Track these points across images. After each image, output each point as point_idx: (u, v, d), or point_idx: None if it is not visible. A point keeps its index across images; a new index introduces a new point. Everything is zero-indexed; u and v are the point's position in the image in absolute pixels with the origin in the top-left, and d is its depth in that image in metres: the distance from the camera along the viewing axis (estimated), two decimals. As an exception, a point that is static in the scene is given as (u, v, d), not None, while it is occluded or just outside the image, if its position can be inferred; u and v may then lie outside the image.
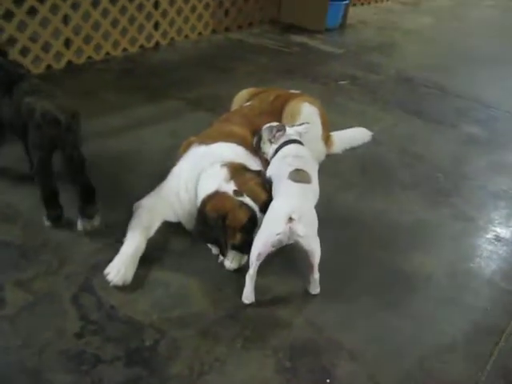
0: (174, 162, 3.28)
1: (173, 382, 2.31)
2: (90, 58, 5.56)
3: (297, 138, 3.29)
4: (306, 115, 3.79)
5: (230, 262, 2.92)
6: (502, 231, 3.59)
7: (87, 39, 5.48)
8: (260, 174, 3.06)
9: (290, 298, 2.81)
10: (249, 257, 2.73)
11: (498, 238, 3.51)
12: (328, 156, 4.06)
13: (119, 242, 2.90)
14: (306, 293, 2.83)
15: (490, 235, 3.54)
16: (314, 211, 2.78)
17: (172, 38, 6.42)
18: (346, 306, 2.82)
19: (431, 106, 5.50)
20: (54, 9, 5.11)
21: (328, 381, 2.40)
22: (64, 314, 2.55)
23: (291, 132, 3.30)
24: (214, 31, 6.94)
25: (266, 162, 3.32)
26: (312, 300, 2.81)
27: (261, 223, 2.79)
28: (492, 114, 5.47)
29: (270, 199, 2.89)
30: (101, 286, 2.72)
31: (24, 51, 4.98)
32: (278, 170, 3.05)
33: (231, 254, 2.93)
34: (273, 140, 3.26)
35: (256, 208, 2.86)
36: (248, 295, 2.70)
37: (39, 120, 2.79)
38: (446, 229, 3.56)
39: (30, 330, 2.45)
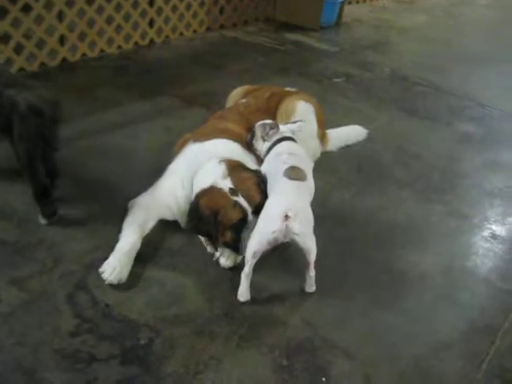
0: (170, 159, 3.27)
1: (168, 380, 2.30)
2: (84, 55, 5.53)
3: (290, 135, 3.28)
4: (302, 113, 3.79)
5: (226, 260, 2.91)
6: (498, 229, 3.59)
7: (82, 36, 5.45)
8: (257, 174, 3.06)
9: (285, 296, 2.81)
10: (244, 255, 2.72)
11: (493, 236, 3.51)
12: (323, 154, 4.06)
13: (114, 239, 2.89)
14: (302, 291, 2.83)
15: (485, 233, 3.54)
16: (309, 209, 2.78)
17: (167, 36, 6.40)
18: (342, 304, 2.82)
19: (426, 104, 5.50)
20: (49, 6, 5.09)
21: (324, 379, 2.40)
22: (59, 313, 2.54)
23: (284, 129, 3.30)
24: (208, 29, 6.93)
25: (259, 159, 3.32)
26: (308, 298, 2.81)
27: (252, 225, 2.80)
28: (486, 112, 5.48)
29: (264, 202, 2.88)
30: (96, 284, 2.71)
31: (18, 48, 4.95)
32: (272, 168, 3.05)
33: (226, 251, 2.93)
34: (266, 137, 3.26)
35: (249, 209, 2.87)
36: (243, 293, 2.70)
37: (24, 112, 2.78)
38: (441, 227, 3.57)
39: (24, 328, 2.44)
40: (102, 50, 5.70)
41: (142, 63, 5.66)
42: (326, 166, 3.98)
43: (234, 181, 2.91)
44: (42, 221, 3.06)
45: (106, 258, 2.77)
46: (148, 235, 3.01)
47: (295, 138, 3.31)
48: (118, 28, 5.81)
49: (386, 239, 3.36)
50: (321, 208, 3.13)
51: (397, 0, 10.17)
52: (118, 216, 3.07)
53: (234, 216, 2.84)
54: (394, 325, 2.73)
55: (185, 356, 2.41)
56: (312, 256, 2.70)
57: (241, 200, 2.86)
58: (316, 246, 2.71)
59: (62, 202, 3.12)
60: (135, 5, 5.90)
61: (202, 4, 6.70)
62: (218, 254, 2.95)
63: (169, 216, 3.15)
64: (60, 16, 5.22)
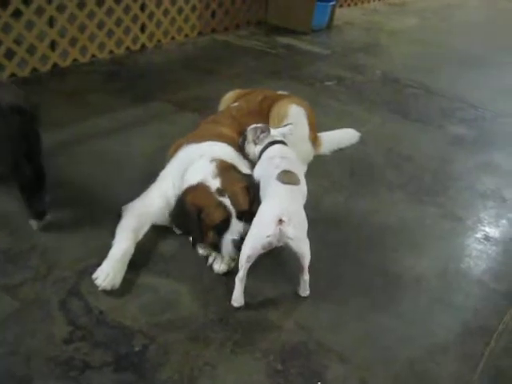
0: (163, 165, 3.27)
1: (163, 387, 2.29)
2: (75, 60, 5.52)
3: (281, 138, 3.29)
4: (294, 116, 3.78)
5: (219, 265, 2.91)
6: (491, 231, 3.60)
7: (73, 41, 5.44)
8: (248, 179, 3.06)
9: (279, 301, 2.80)
10: (238, 260, 2.71)
11: (487, 238, 3.52)
12: (316, 157, 4.06)
13: (107, 245, 2.87)
14: (296, 295, 2.82)
15: (478, 235, 3.55)
16: (303, 213, 2.78)
17: (158, 40, 6.39)
18: (336, 308, 2.81)
19: (417, 107, 5.51)
20: (40, 11, 5.07)
21: (319, 383, 2.39)
22: (52, 320, 2.52)
23: (275, 133, 3.30)
24: (200, 33, 6.92)
25: (250, 164, 3.33)
26: (302, 302, 2.80)
27: (235, 228, 2.82)
28: (478, 114, 5.49)
29: (250, 208, 2.90)
30: (89, 290, 2.69)
31: (9, 54, 4.93)
32: (265, 171, 3.05)
33: (219, 257, 2.92)
34: (257, 141, 3.26)
35: (233, 212, 2.86)
36: (237, 298, 2.69)
37: (6, 110, 2.78)
38: (434, 229, 3.57)
39: (17, 336, 2.42)
40: (93, 55, 5.69)
41: (133, 68, 5.65)
42: (319, 169, 3.98)
43: (222, 181, 2.92)
44: (33, 224, 3.04)
45: (99, 264, 2.76)
46: (141, 241, 3.00)
47: (287, 141, 3.32)
48: (110, 33, 5.79)
49: (380, 242, 3.36)
50: (314, 211, 3.12)
51: (388, 3, 10.20)
52: (110, 222, 3.06)
53: (217, 216, 2.84)
54: (388, 328, 2.73)
55: (179, 362, 2.40)
56: (306, 260, 2.69)
57: (226, 202, 2.86)
58: (310, 249, 2.71)
59: (53, 208, 3.10)
60: (127, 9, 5.89)
61: (193, 8, 6.70)
62: (211, 259, 2.94)
63: (162, 221, 3.13)
64: (51, 21, 5.21)
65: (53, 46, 5.29)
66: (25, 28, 4.99)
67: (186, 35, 6.75)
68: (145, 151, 3.95)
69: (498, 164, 4.51)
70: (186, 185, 2.97)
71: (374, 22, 8.71)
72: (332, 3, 7.74)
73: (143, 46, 6.22)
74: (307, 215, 2.79)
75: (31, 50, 5.09)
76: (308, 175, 3.52)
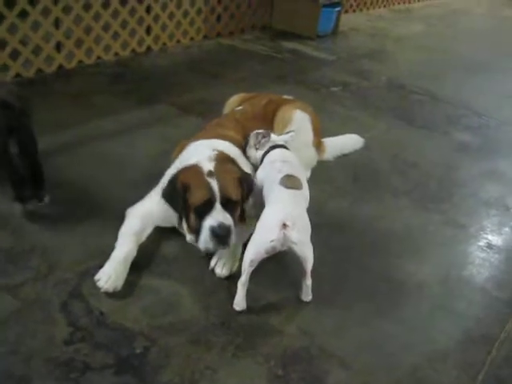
0: (166, 167, 3.26)
1: (163, 390, 2.28)
2: (80, 62, 5.53)
3: (282, 143, 3.29)
4: (298, 122, 3.78)
5: (221, 269, 2.90)
6: (494, 238, 3.58)
7: (78, 43, 5.45)
8: (245, 175, 3.05)
9: (281, 306, 2.79)
10: (240, 264, 2.71)
11: (489, 246, 3.50)
12: (320, 162, 4.05)
13: (109, 247, 2.87)
14: (298, 300, 2.81)
15: (481, 243, 3.53)
16: (306, 217, 2.77)
17: (164, 43, 6.41)
18: (338, 313, 2.80)
19: (423, 113, 5.51)
20: (46, 12, 5.08)
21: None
22: (53, 321, 2.51)
23: (276, 138, 3.30)
24: (205, 37, 6.93)
25: (253, 167, 3.34)
26: (304, 307, 2.79)
27: (215, 215, 2.80)
28: (483, 121, 5.48)
29: (240, 201, 2.92)
30: (90, 292, 2.69)
31: (14, 54, 4.94)
32: (267, 175, 3.05)
33: (221, 261, 2.92)
34: (258, 146, 3.27)
35: (218, 197, 2.84)
36: (239, 302, 2.68)
37: None
38: (437, 236, 3.56)
39: (18, 336, 2.41)
40: (98, 57, 5.70)
41: (138, 70, 5.66)
42: (323, 174, 3.98)
43: (216, 166, 2.93)
44: (16, 206, 3.10)
45: (101, 265, 2.75)
46: (144, 243, 3.00)
47: (289, 146, 3.32)
48: (115, 35, 5.81)
49: (383, 248, 3.35)
50: (317, 216, 3.12)
51: (393, 9, 10.21)
52: (112, 223, 3.05)
53: (199, 196, 2.84)
54: (391, 334, 2.71)
55: (180, 365, 2.39)
56: (309, 264, 2.69)
57: (213, 184, 2.85)
58: (313, 254, 2.70)
59: (55, 208, 3.10)
60: (132, 12, 5.91)
61: (199, 12, 6.71)
62: (213, 263, 2.93)
63: (165, 223, 3.13)
64: (57, 23, 5.22)
65: (58, 47, 5.30)
66: (31, 29, 5.00)
67: (192, 38, 6.76)
68: (148, 153, 3.95)
69: (502, 172, 4.50)
70: (182, 166, 3.01)
71: (380, 28, 8.71)
72: (337, 9, 7.75)
73: (148, 49, 6.23)
74: (311, 220, 2.78)
75: (37, 50, 5.10)
76: (312, 180, 3.52)
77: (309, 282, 2.75)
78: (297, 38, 7.45)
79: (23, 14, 4.92)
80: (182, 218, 2.94)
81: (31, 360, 2.31)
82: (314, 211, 3.00)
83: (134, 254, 2.87)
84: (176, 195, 2.88)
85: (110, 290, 2.67)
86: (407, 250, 3.37)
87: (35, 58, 5.10)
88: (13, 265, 2.80)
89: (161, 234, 3.13)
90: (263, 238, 2.62)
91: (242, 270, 2.65)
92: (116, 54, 5.87)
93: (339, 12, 7.85)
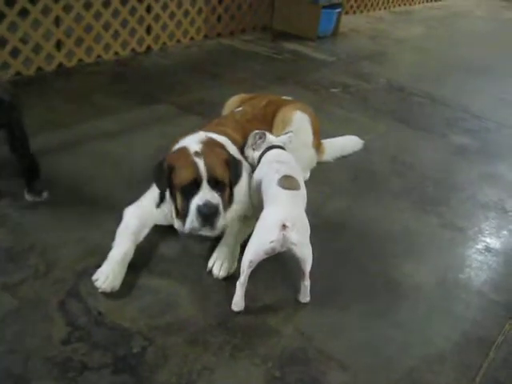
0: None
1: (160, 390, 2.28)
2: (81, 60, 5.53)
3: (279, 143, 3.29)
4: (298, 122, 3.78)
5: (219, 270, 2.89)
6: (492, 241, 3.59)
7: (78, 42, 5.45)
8: (234, 160, 3.07)
9: (279, 306, 2.79)
10: (238, 265, 2.71)
11: (487, 249, 3.51)
12: (319, 164, 4.05)
13: (107, 246, 2.87)
14: (296, 301, 2.81)
15: (479, 245, 3.53)
16: (305, 218, 2.76)
17: (164, 43, 6.41)
18: (336, 314, 2.80)
19: (422, 116, 5.52)
20: (46, 10, 5.08)
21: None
22: (50, 320, 2.51)
23: (273, 139, 3.30)
24: (206, 36, 6.94)
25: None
26: (302, 308, 2.79)
27: (202, 195, 2.81)
28: (482, 124, 5.49)
29: (225, 182, 2.94)
30: (88, 291, 2.69)
31: (14, 52, 4.94)
32: (265, 175, 3.05)
33: (218, 261, 2.92)
34: (254, 146, 3.28)
35: (205, 177, 2.85)
36: (238, 303, 2.68)
37: None
38: (435, 238, 3.56)
39: (15, 335, 2.41)
40: (98, 56, 5.71)
41: (138, 70, 5.66)
42: (322, 176, 3.98)
43: (203, 147, 2.96)
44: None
45: (99, 265, 2.75)
46: (142, 243, 3.00)
47: (290, 147, 3.33)
48: (115, 34, 5.81)
49: (381, 249, 3.35)
50: (316, 217, 3.12)
51: (394, 11, 10.23)
52: (111, 222, 3.05)
53: (185, 176, 2.85)
54: (388, 336, 2.71)
55: (177, 365, 2.39)
56: (308, 265, 2.69)
57: (200, 164, 2.86)
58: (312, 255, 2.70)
59: (55, 207, 3.11)
60: (132, 11, 5.91)
61: (199, 12, 6.71)
62: (211, 263, 2.93)
63: (162, 221, 3.14)
64: (57, 21, 5.22)
65: (58, 45, 5.30)
66: (31, 27, 5.00)
67: (192, 38, 6.76)
68: (148, 153, 3.95)
69: (500, 175, 4.50)
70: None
71: (380, 30, 8.72)
72: (338, 10, 7.76)
73: (148, 48, 6.23)
74: (309, 221, 2.78)
75: (37, 49, 5.10)
76: (311, 181, 3.53)
77: (307, 282, 2.75)
78: (297, 39, 7.47)
79: (24, 13, 4.92)
80: (162, 198, 2.96)
81: (29, 359, 2.31)
82: (312, 212, 3.00)
83: (132, 253, 2.87)
84: (163, 176, 2.91)
85: (108, 290, 2.67)
86: (405, 251, 3.37)
87: (35, 57, 5.10)
88: (12, 263, 2.80)
89: (159, 234, 3.13)
90: (263, 239, 2.61)
91: (241, 270, 2.65)
92: (116, 53, 5.88)
93: (339, 13, 7.86)
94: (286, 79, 5.96)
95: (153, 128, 4.41)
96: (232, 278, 2.81)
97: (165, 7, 6.25)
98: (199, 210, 2.81)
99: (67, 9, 5.25)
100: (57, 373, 2.27)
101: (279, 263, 2.92)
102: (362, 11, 9.59)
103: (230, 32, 7.26)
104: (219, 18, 7.06)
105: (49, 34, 5.19)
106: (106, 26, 5.68)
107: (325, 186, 3.90)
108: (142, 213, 3.09)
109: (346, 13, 8.87)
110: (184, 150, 2.96)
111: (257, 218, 2.78)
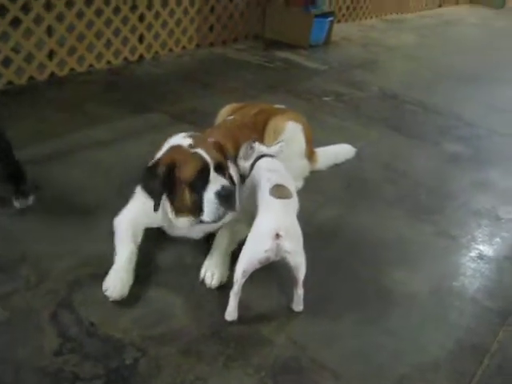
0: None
1: (153, 401, 2.27)
2: (72, 69, 5.52)
3: (268, 152, 3.28)
4: (290, 131, 3.78)
5: (211, 280, 2.87)
6: (485, 249, 3.59)
7: (71, 51, 5.44)
8: (220, 143, 3.06)
9: (272, 316, 2.77)
10: (231, 274, 2.70)
11: (480, 256, 3.50)
12: (312, 172, 4.05)
13: (99, 254, 2.87)
14: (289, 309, 2.80)
15: (473, 253, 3.53)
16: (298, 226, 2.76)
17: (156, 52, 6.41)
18: (329, 323, 2.79)
19: (414, 123, 5.53)
20: (38, 20, 5.08)
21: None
22: (42, 331, 2.49)
23: (262, 149, 3.29)
24: (198, 45, 6.95)
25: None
26: (294, 317, 2.78)
27: (216, 181, 2.79)
28: (474, 131, 5.51)
29: (226, 164, 2.94)
30: (80, 302, 2.67)
31: (6, 62, 4.93)
32: (257, 183, 3.03)
33: (209, 271, 2.90)
34: (246, 157, 3.28)
35: (211, 163, 2.83)
36: (231, 312, 2.67)
37: None
38: (428, 246, 3.56)
39: (6, 345, 2.39)
40: (90, 65, 5.70)
41: (130, 79, 5.66)
42: (315, 184, 3.98)
43: (195, 141, 2.94)
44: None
45: (91, 275, 2.74)
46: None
47: (281, 157, 3.31)
48: (108, 43, 5.81)
49: (374, 258, 3.35)
50: (308, 226, 3.11)
51: (386, 19, 10.28)
52: (104, 231, 3.05)
53: (192, 168, 2.81)
54: (381, 344, 2.70)
55: (171, 376, 2.37)
56: (301, 274, 2.68)
57: (201, 152, 2.84)
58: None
59: (46, 216, 3.09)
60: (125, 20, 5.91)
61: (191, 21, 6.72)
62: (203, 273, 2.91)
63: (153, 223, 3.12)
64: (49, 30, 5.21)
65: (51, 55, 5.29)
66: (23, 36, 4.99)
67: (184, 47, 6.77)
68: (140, 162, 3.92)
69: (492, 182, 4.51)
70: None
71: (372, 39, 8.76)
72: (330, 19, 7.79)
73: (141, 57, 6.23)
74: (302, 230, 2.77)
75: (29, 58, 5.09)
76: (304, 190, 3.52)
77: (300, 291, 2.74)
78: (289, 48, 7.49)
79: (16, 22, 4.91)
80: (158, 205, 2.87)
81: (20, 370, 2.29)
82: (305, 220, 2.99)
83: (136, 256, 2.87)
84: (157, 181, 2.83)
85: (118, 298, 2.67)
86: (398, 260, 3.37)
87: (27, 66, 5.09)
88: (2, 274, 2.78)
89: (153, 243, 3.11)
90: (256, 248, 2.60)
91: (235, 280, 2.64)
92: (108, 62, 5.87)
93: (331, 22, 7.89)
94: (278, 88, 5.97)
95: (145, 136, 4.40)
96: (225, 287, 2.80)
97: (157, 16, 6.26)
98: (220, 195, 2.80)
99: (59, 18, 5.24)
100: (48, 383, 2.25)
101: (272, 271, 2.90)
102: (353, 19, 9.64)
103: (222, 41, 7.27)
104: (211, 27, 7.07)
105: (41, 44, 5.18)
106: (99, 35, 5.68)
107: (317, 194, 3.90)
108: (131, 218, 3.07)
109: (338, 21, 8.92)
110: (178, 147, 2.93)
111: (247, 225, 2.77)
